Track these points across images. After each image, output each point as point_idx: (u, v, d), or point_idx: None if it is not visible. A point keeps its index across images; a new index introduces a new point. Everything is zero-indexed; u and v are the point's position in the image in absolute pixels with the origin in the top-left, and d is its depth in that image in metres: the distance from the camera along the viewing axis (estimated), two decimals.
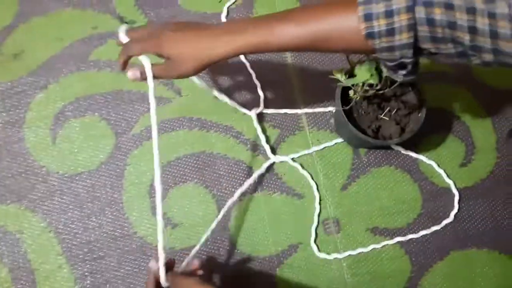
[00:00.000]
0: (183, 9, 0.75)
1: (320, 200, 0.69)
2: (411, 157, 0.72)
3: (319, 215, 0.69)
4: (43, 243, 0.66)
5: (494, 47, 0.38)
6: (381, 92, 0.62)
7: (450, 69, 0.76)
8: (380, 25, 0.41)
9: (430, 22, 0.40)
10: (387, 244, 0.68)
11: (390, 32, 0.41)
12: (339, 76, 0.58)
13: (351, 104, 0.61)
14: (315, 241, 0.68)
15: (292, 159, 0.70)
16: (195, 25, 0.50)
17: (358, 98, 0.60)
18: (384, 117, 0.64)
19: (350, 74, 0.61)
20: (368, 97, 0.64)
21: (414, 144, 0.72)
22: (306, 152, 0.71)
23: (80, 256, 0.66)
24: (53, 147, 0.69)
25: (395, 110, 0.65)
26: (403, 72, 0.47)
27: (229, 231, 0.68)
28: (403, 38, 0.41)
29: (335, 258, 0.68)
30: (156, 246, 0.65)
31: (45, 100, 0.70)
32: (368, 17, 0.42)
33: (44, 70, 0.71)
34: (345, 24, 0.43)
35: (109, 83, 0.71)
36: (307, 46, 0.46)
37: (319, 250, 0.68)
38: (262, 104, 0.72)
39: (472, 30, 0.38)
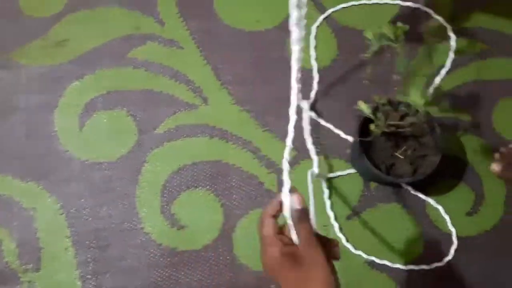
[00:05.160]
0: (223, 23, 0.79)
1: (324, 226, 0.71)
2: (420, 198, 0.73)
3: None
4: (54, 224, 0.68)
5: None
6: (400, 130, 0.64)
7: (471, 119, 0.77)
8: None
9: None
10: (383, 280, 0.69)
11: None
12: (364, 107, 0.60)
13: (371, 138, 0.63)
14: None
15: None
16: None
17: (377, 133, 0.62)
18: (399, 155, 0.66)
19: (375, 108, 0.63)
20: (388, 134, 0.66)
21: (424, 186, 0.73)
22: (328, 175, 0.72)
23: (86, 242, 0.68)
24: (79, 134, 0.72)
25: (411, 150, 0.66)
26: None
27: (231, 241, 0.69)
28: None
29: None
30: (161, 244, 0.68)
31: (79, 89, 0.74)
32: None
33: (84, 60, 0.75)
34: None
35: (141, 82, 0.75)
36: None
37: None
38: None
39: None
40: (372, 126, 0.61)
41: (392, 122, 0.58)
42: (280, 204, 0.46)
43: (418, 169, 0.66)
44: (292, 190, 0.46)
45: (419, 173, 0.65)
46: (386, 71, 0.64)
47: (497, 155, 0.74)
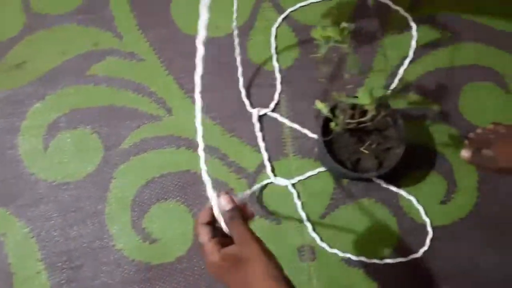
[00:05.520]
0: (182, 32, 0.78)
1: (298, 227, 0.70)
2: (392, 191, 0.73)
3: (295, 242, 0.70)
4: (25, 248, 0.68)
5: None
6: (362, 125, 0.64)
7: (437, 107, 0.77)
8: None
9: None
10: (360, 276, 0.69)
11: None
12: (321, 106, 0.60)
13: (331, 136, 0.62)
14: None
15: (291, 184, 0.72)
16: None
17: (339, 130, 0.62)
18: (364, 150, 0.65)
19: (333, 107, 0.63)
20: (350, 130, 0.66)
21: (395, 178, 0.73)
22: (291, 180, 0.72)
23: (59, 264, 0.67)
24: (44, 155, 0.72)
25: (375, 144, 0.66)
26: None
27: None
28: None
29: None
30: (134, 259, 0.68)
31: (41, 110, 0.73)
32: None
33: (44, 81, 0.75)
34: None
35: (103, 98, 0.74)
36: None
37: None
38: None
39: None
40: (332, 124, 0.61)
41: (349, 120, 0.57)
42: (211, 209, 0.46)
43: (384, 162, 0.66)
44: (219, 193, 0.46)
45: (385, 166, 0.65)
46: (342, 69, 0.64)
47: (466, 141, 0.74)
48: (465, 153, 0.72)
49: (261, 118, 0.75)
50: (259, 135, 0.71)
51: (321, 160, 0.72)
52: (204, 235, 0.45)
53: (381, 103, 0.65)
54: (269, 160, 0.73)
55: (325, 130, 0.64)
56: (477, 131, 0.74)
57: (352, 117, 0.59)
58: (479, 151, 0.71)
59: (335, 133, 0.63)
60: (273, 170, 0.72)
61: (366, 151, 0.66)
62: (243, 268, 0.42)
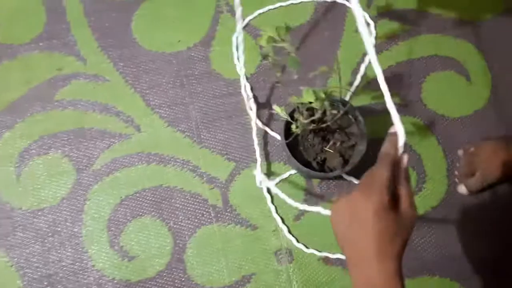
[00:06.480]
0: (144, 49, 0.79)
1: (273, 230, 0.71)
2: None
3: (272, 246, 0.71)
4: (5, 277, 0.68)
5: None
6: (324, 125, 0.65)
7: (402, 100, 0.78)
8: None
9: None
10: (339, 273, 0.70)
11: None
12: (279, 110, 0.61)
13: (291, 138, 0.64)
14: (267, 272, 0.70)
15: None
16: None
17: (300, 132, 0.63)
18: (328, 150, 0.67)
19: (293, 109, 0.64)
20: (314, 130, 0.67)
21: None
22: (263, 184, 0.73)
23: None
24: (17, 184, 0.72)
25: (339, 142, 0.67)
26: None
27: (183, 262, 0.70)
28: None
29: None
30: (114, 278, 0.68)
31: (11, 139, 0.74)
32: None
33: (11, 110, 0.75)
34: None
35: (72, 121, 0.75)
36: None
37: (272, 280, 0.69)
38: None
39: None
40: (293, 127, 0.62)
41: (305, 121, 0.59)
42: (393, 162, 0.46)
43: (350, 160, 0.67)
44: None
45: (350, 163, 0.66)
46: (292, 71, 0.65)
47: (456, 179, 0.73)
48: (463, 191, 0.70)
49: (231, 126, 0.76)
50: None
51: (288, 163, 0.74)
52: (387, 171, 0.45)
53: (343, 102, 0.66)
54: (240, 168, 0.74)
55: (288, 133, 0.65)
56: (457, 166, 0.74)
57: (312, 118, 0.61)
58: (467, 176, 0.70)
59: (295, 135, 0.64)
60: (246, 177, 0.74)
61: (331, 150, 0.67)
62: (392, 229, 0.43)
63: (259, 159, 0.71)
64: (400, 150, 0.47)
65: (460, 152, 0.73)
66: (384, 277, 0.42)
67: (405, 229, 0.44)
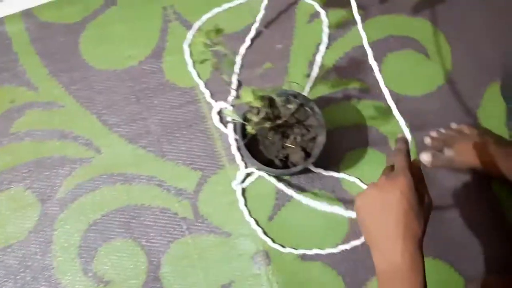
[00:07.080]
0: (95, 69, 0.78)
1: (248, 234, 0.70)
2: (333, 177, 0.73)
3: (248, 251, 0.69)
4: None
5: None
6: (281, 121, 0.64)
7: (361, 85, 0.77)
8: None
9: None
10: (319, 268, 0.68)
11: None
12: (229, 113, 0.60)
13: (246, 139, 0.62)
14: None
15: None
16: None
17: (256, 132, 0.62)
18: (289, 145, 0.65)
19: (247, 110, 0.63)
20: (273, 128, 0.66)
21: (334, 163, 0.73)
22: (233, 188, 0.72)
23: None
24: None
25: (299, 136, 0.66)
26: None
27: (160, 280, 0.68)
28: None
29: None
30: None
31: None
32: None
33: None
34: None
35: (30, 152, 0.74)
36: None
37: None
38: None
39: None
40: (248, 128, 0.61)
41: (255, 119, 0.57)
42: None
43: (312, 152, 0.66)
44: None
45: (312, 155, 0.65)
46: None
47: (427, 140, 0.72)
48: (425, 157, 0.69)
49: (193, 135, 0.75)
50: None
51: (250, 164, 0.72)
52: (404, 160, 0.51)
53: (296, 95, 0.65)
54: (206, 176, 0.73)
55: (245, 134, 0.64)
56: (440, 130, 0.73)
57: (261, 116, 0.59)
58: (438, 152, 0.69)
59: (254, 135, 0.62)
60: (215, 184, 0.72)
61: (292, 146, 0.65)
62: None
63: (241, 163, 0.71)
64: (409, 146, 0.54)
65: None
66: (407, 257, 0.46)
67: (427, 210, 0.49)
